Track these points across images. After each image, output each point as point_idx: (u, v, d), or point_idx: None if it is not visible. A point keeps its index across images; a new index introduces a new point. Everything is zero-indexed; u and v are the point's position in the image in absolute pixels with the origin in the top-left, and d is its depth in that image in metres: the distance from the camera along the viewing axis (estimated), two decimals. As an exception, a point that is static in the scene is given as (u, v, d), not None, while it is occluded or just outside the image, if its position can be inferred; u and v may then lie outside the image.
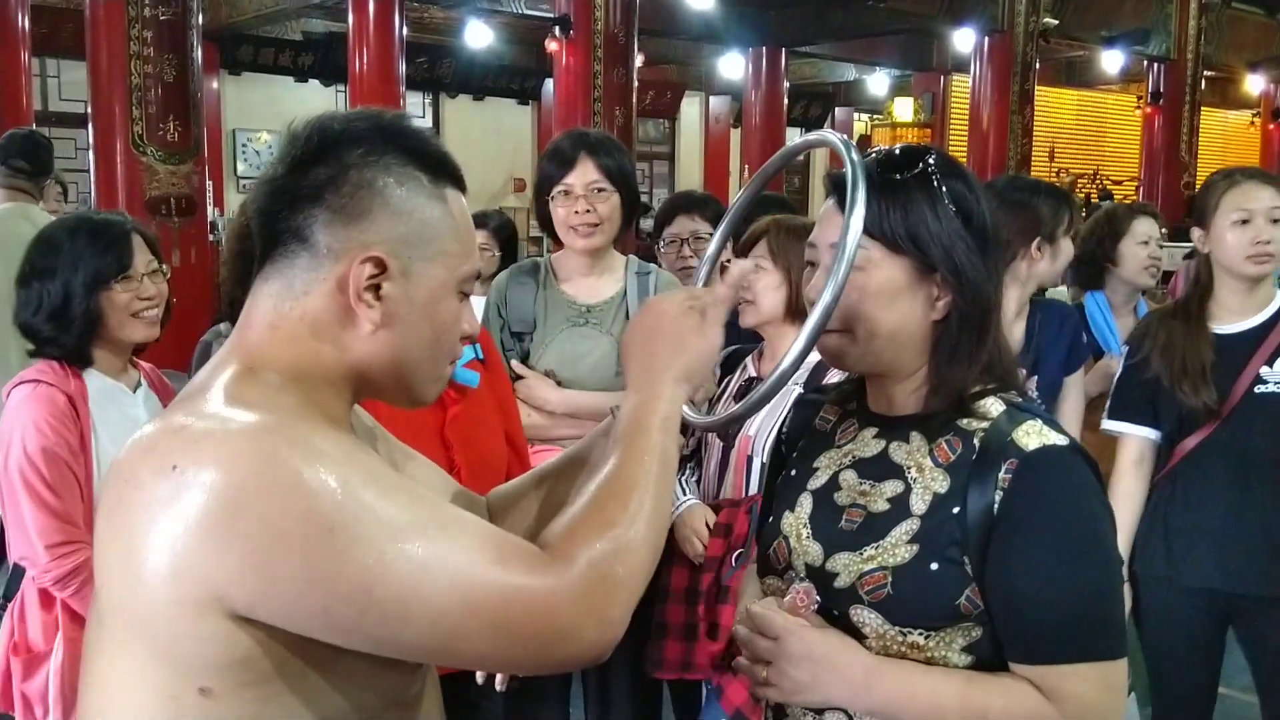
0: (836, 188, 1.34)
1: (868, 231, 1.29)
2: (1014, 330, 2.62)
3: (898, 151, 1.34)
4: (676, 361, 1.17)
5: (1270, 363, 2.39)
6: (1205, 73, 14.63)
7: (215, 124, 11.65)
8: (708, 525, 2.34)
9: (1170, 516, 2.53)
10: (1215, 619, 2.51)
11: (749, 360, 2.43)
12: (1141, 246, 3.29)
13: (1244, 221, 2.40)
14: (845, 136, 1.30)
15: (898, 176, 1.30)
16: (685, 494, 2.42)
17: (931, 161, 1.31)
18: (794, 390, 2.23)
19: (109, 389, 2.35)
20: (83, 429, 2.25)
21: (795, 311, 2.27)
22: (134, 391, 2.41)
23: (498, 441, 2.10)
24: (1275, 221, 2.40)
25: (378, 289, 1.07)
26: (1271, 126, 16.23)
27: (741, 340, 2.45)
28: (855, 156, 1.24)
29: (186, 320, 6.37)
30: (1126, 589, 2.51)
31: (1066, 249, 2.77)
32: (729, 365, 2.47)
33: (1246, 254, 2.40)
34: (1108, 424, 2.61)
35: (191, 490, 0.95)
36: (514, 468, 2.10)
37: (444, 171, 1.14)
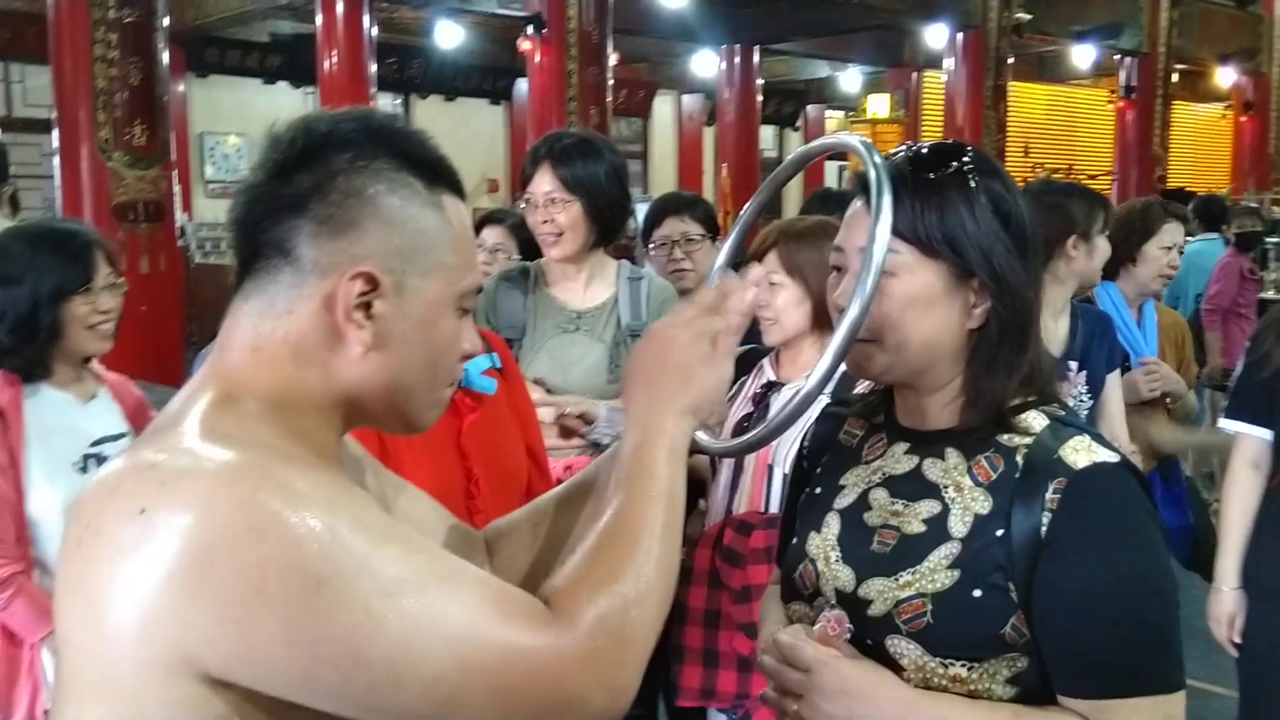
0: (865, 188, 1.26)
1: (901, 235, 1.21)
2: (1058, 328, 2.58)
3: (930, 149, 1.26)
4: (683, 394, 1.06)
5: None
6: (1177, 66, 14.72)
7: (182, 127, 11.51)
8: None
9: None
10: None
11: (766, 363, 2.33)
12: (1164, 252, 3.18)
13: None
14: (867, 139, 1.20)
15: (931, 176, 1.22)
16: None
17: (968, 160, 1.23)
18: (821, 399, 2.14)
19: (55, 401, 2.29)
20: (11, 443, 2.18)
21: (821, 323, 2.17)
22: (86, 403, 2.33)
23: (518, 452, 2.00)
24: None
25: (369, 307, 0.97)
26: (1243, 119, 16.32)
27: (756, 338, 2.37)
28: (878, 160, 1.15)
29: (154, 327, 6.28)
30: (1236, 598, 2.45)
31: (1103, 247, 2.78)
32: (743, 366, 2.37)
33: None
34: (1224, 423, 2.51)
35: (160, 538, 0.84)
36: (535, 481, 2.01)
37: (440, 177, 1.04)
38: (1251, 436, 2.46)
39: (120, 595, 0.85)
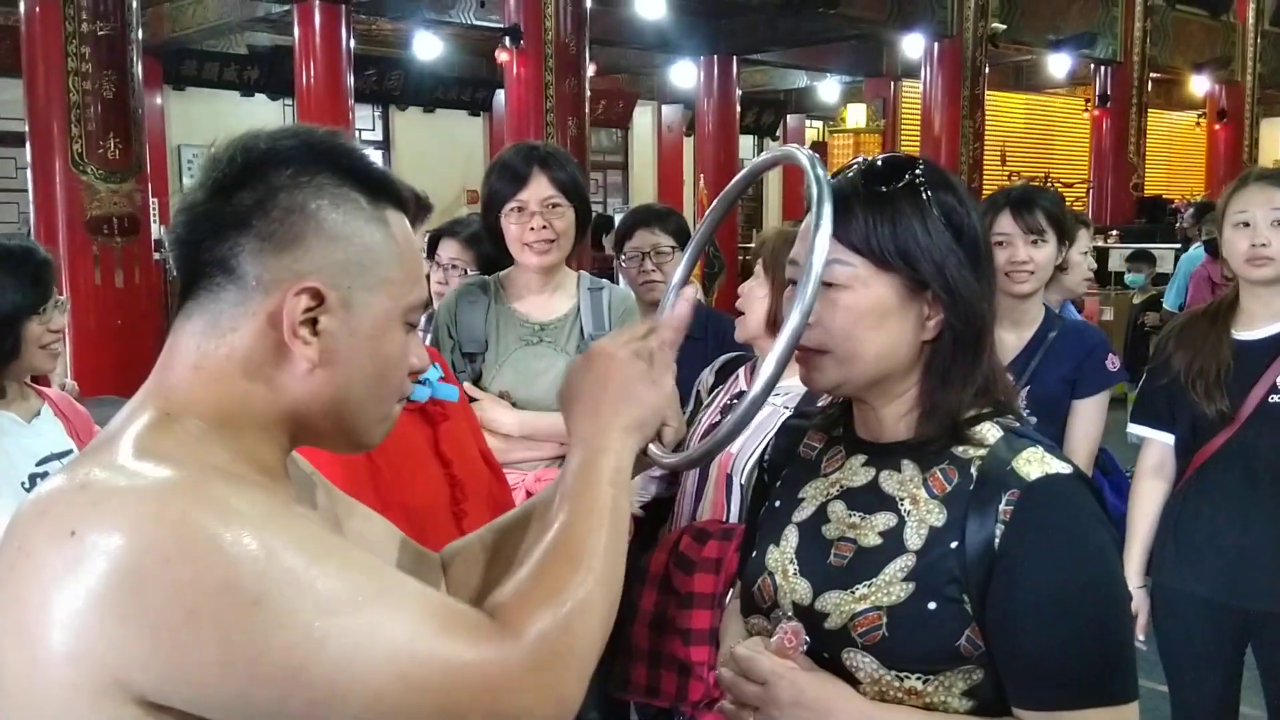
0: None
1: (854, 247, 1.21)
2: (1010, 340, 2.56)
3: (883, 162, 1.26)
4: (625, 411, 1.07)
5: None
6: (1151, 75, 14.82)
7: (159, 140, 11.46)
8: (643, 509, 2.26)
9: (1181, 527, 2.47)
10: (1231, 634, 2.44)
11: (742, 371, 2.33)
12: (1084, 257, 3.36)
13: (1245, 224, 2.35)
14: (812, 152, 1.20)
15: (884, 189, 1.22)
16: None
17: (919, 172, 1.23)
18: (782, 411, 2.14)
19: (0, 421, 2.27)
20: None
21: (776, 325, 2.18)
22: (30, 421, 2.32)
23: (479, 456, 2.02)
24: (1275, 224, 2.33)
25: (314, 323, 0.96)
26: (1217, 127, 16.45)
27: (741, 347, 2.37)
28: (821, 173, 1.15)
29: (130, 341, 6.24)
30: (1142, 597, 2.49)
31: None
32: (724, 374, 2.38)
33: (1245, 257, 2.35)
34: (1132, 428, 2.57)
35: (91, 559, 0.83)
36: (495, 487, 2.02)
37: (384, 192, 1.03)
38: (1155, 441, 2.53)
39: (51, 619, 0.84)
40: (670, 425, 1.12)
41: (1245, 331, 2.39)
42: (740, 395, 2.25)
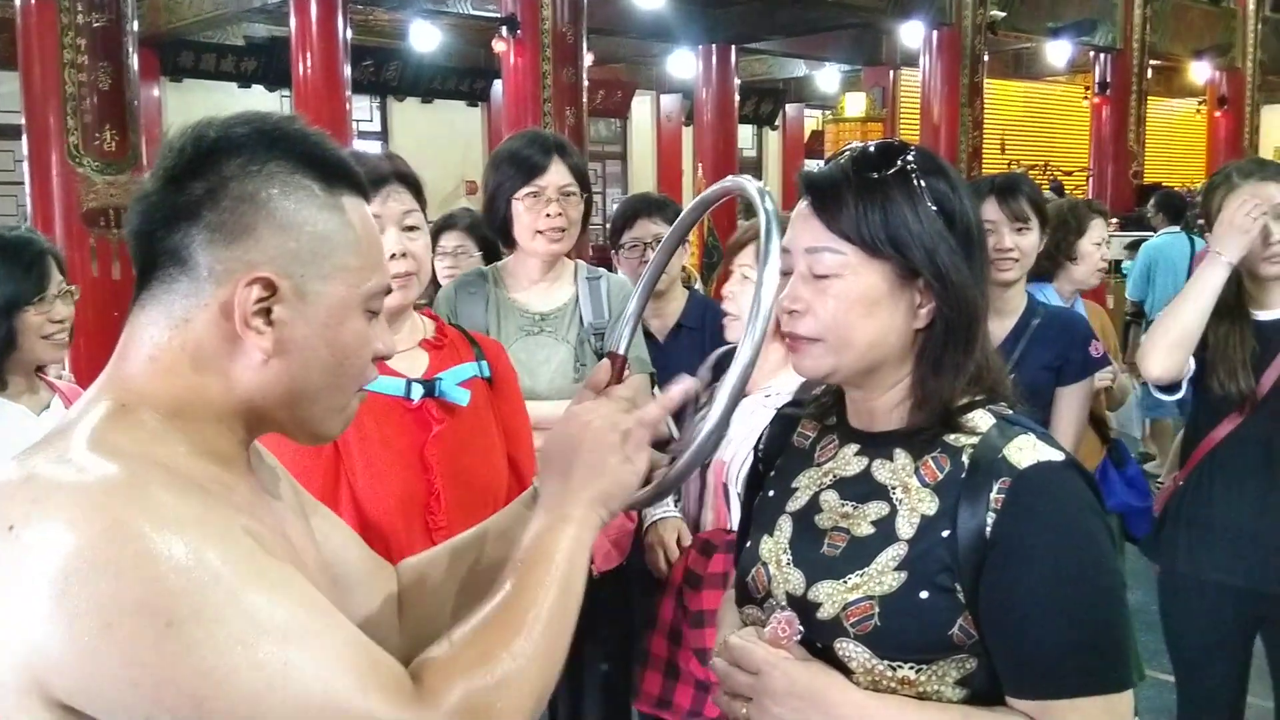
0: (810, 187, 1.25)
1: (845, 235, 1.21)
2: (997, 328, 2.54)
3: (874, 149, 1.25)
4: (594, 483, 1.06)
5: None
6: (1151, 62, 14.78)
7: (156, 132, 11.42)
8: (680, 545, 2.23)
9: (1193, 511, 2.45)
10: (1239, 619, 2.43)
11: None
12: (1096, 247, 3.32)
13: None
14: (761, 184, 1.20)
15: (875, 175, 1.21)
16: (670, 507, 2.29)
17: (911, 159, 1.22)
18: (766, 410, 2.12)
19: (10, 413, 2.26)
20: None
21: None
22: (40, 414, 2.31)
23: (489, 466, 1.94)
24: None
25: (268, 313, 0.96)
26: (1217, 114, 16.41)
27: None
28: (770, 206, 1.15)
29: (129, 335, 6.23)
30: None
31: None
32: (719, 369, 2.34)
33: (1262, 255, 2.33)
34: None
35: (24, 558, 0.82)
36: (515, 494, 1.98)
37: (340, 177, 1.02)
38: None
39: None
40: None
41: (1262, 313, 2.38)
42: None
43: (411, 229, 1.89)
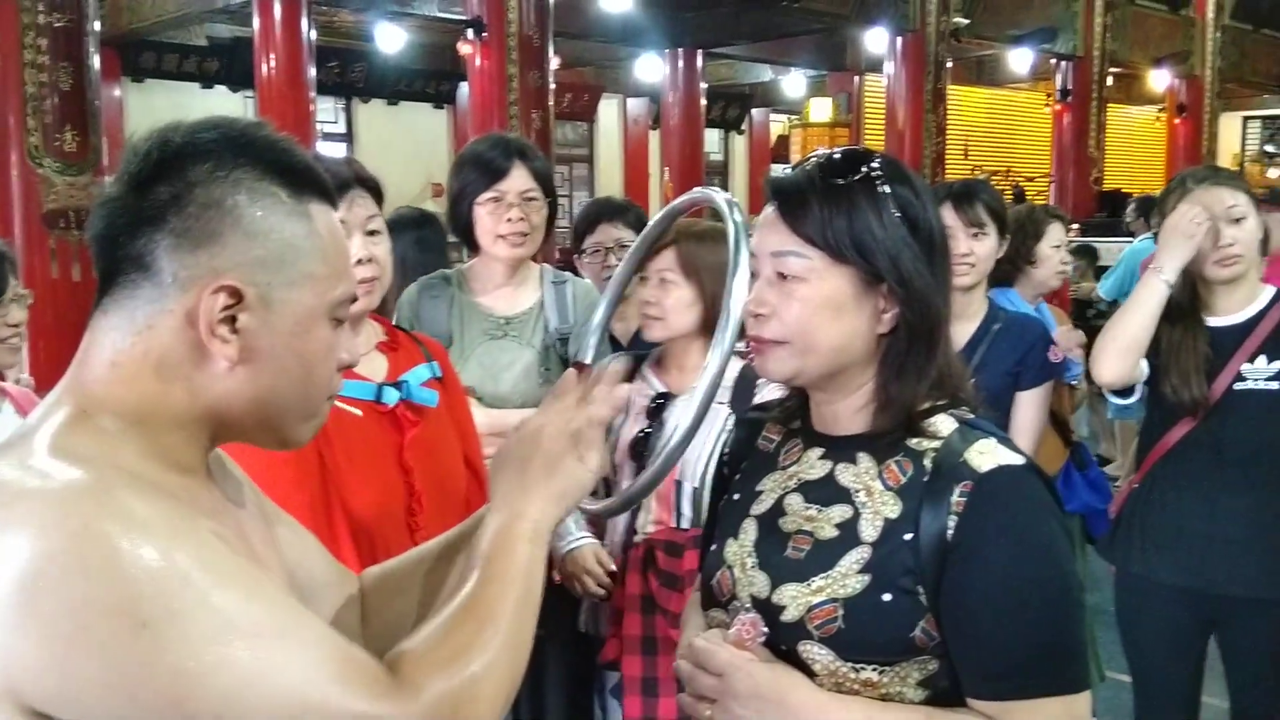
0: (776, 192, 1.27)
1: (810, 240, 1.22)
2: (959, 332, 2.56)
3: (840, 155, 1.27)
4: (550, 482, 1.08)
5: (1252, 359, 2.36)
6: (1111, 70, 14.93)
7: (118, 133, 11.29)
8: (600, 563, 2.23)
9: (1147, 513, 2.49)
10: (1193, 620, 2.47)
11: (647, 372, 2.29)
12: (1055, 250, 3.37)
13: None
14: (729, 196, 1.23)
15: (840, 181, 1.23)
16: (575, 532, 2.27)
17: (876, 165, 1.24)
18: (721, 408, 2.13)
19: None
20: None
21: (710, 328, 2.15)
22: None
23: (458, 466, 1.97)
24: (1236, 221, 2.36)
25: (233, 321, 0.95)
26: (1176, 122, 16.60)
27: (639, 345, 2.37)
28: (738, 218, 1.18)
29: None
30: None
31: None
32: (631, 377, 2.32)
33: (1213, 259, 2.37)
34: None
35: None
36: (474, 493, 1.98)
37: (307, 185, 1.01)
38: None
39: None
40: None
41: (1215, 319, 2.42)
42: (664, 398, 2.22)
43: (374, 233, 1.90)
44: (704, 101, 13.99)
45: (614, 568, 2.22)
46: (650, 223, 1.36)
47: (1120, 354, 2.37)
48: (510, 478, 1.09)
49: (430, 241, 3.60)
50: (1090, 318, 7.80)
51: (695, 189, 1.26)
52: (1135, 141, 19.23)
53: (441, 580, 1.20)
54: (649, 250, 1.40)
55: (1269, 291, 2.43)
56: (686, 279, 2.17)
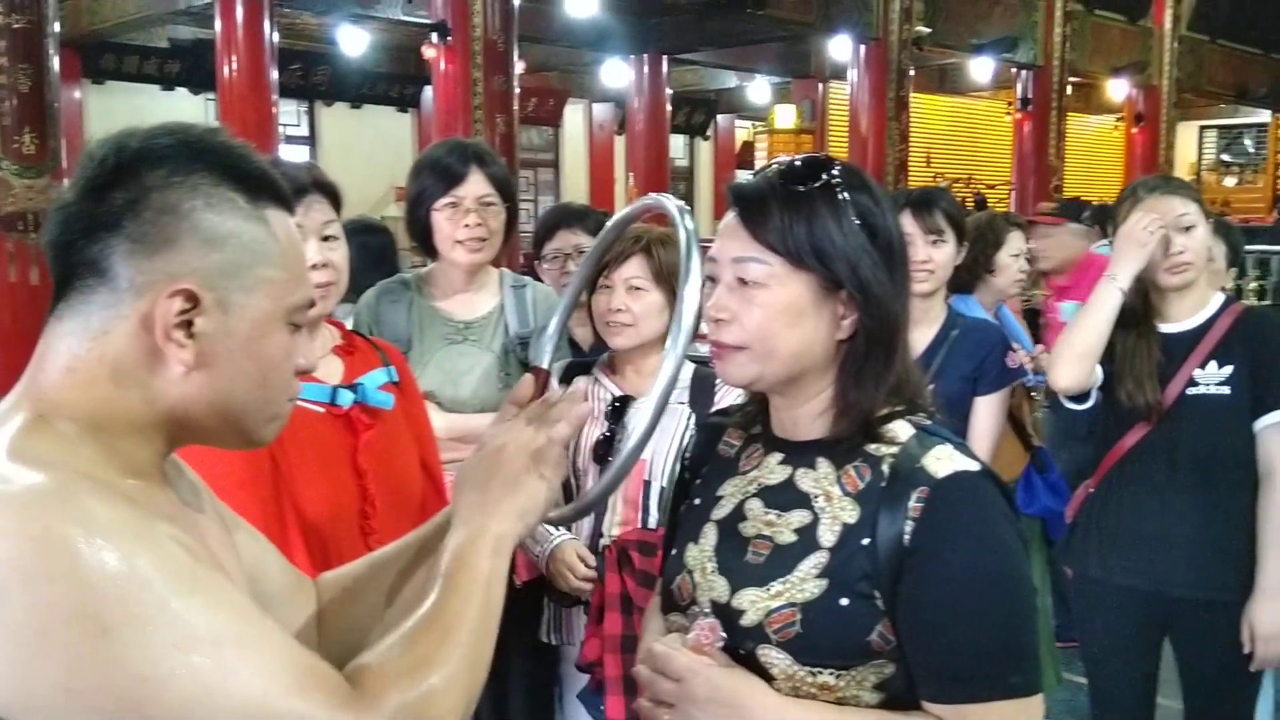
0: (738, 199, 1.28)
1: (770, 246, 1.23)
2: (917, 338, 2.58)
3: (801, 162, 1.28)
4: (511, 500, 1.08)
5: (1204, 364, 2.40)
6: (1071, 79, 15.10)
7: (77, 135, 11.17)
8: (582, 560, 2.22)
9: (1103, 517, 2.52)
10: (1147, 622, 2.50)
11: (600, 376, 2.29)
12: (1014, 259, 3.43)
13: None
14: (682, 203, 1.23)
15: (801, 189, 1.24)
16: (554, 531, 2.26)
17: (836, 173, 1.25)
18: (682, 408, 2.14)
19: None
20: None
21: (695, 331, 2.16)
22: None
23: (413, 469, 1.97)
24: (1187, 229, 2.40)
25: (190, 325, 0.95)
26: (1134, 131, 16.82)
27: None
28: (689, 225, 1.18)
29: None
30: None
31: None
32: (568, 379, 2.32)
33: (1164, 267, 2.40)
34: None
35: None
36: (430, 497, 1.98)
37: (265, 190, 1.01)
38: None
39: None
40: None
41: (1167, 325, 2.46)
42: (622, 400, 2.23)
43: (330, 239, 1.90)
44: (669, 107, 14.02)
45: (594, 563, 2.22)
46: (604, 229, 1.37)
47: (1076, 360, 2.41)
48: (472, 496, 1.09)
49: (372, 249, 3.57)
50: (1044, 326, 7.88)
51: (647, 196, 1.27)
52: (1094, 150, 19.47)
53: (399, 588, 1.21)
54: (604, 256, 1.40)
55: (1219, 298, 2.47)
56: (657, 284, 2.18)
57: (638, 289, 2.19)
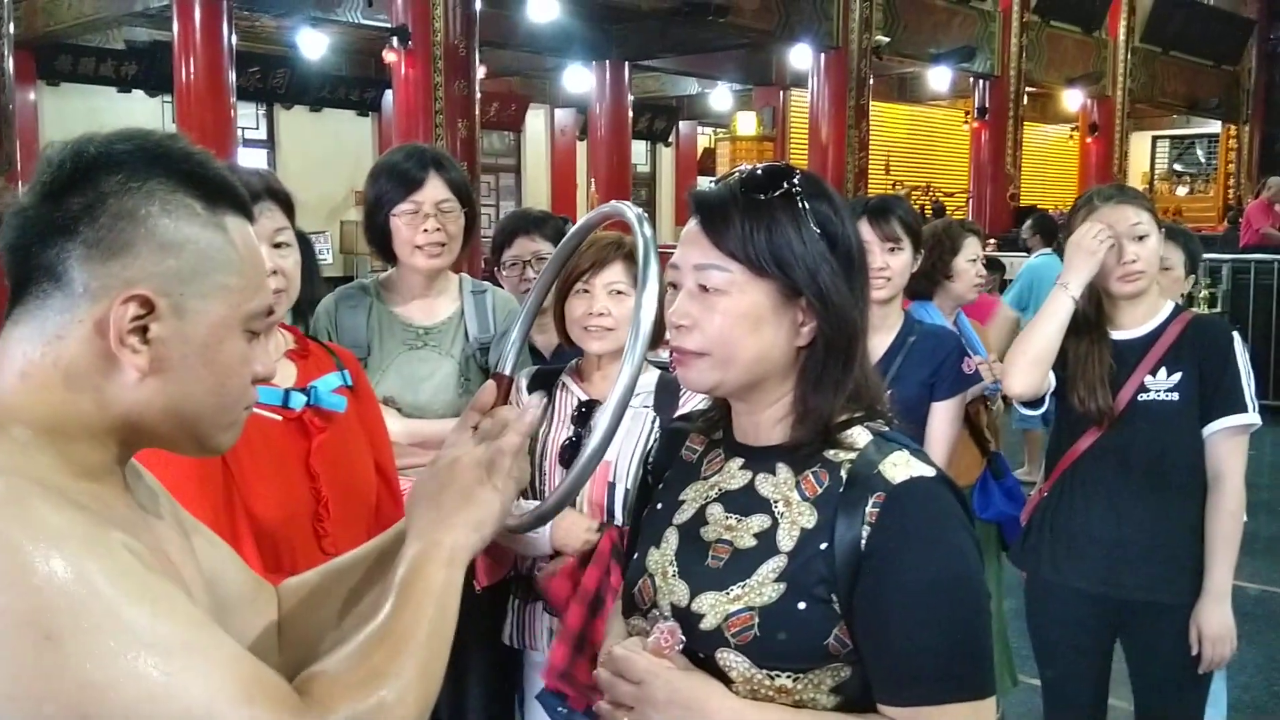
0: (699, 206, 1.29)
1: (730, 253, 1.24)
2: (876, 344, 2.60)
3: (761, 171, 1.29)
4: (464, 511, 1.09)
5: (1154, 371, 2.44)
6: (1027, 89, 15.31)
7: (31, 138, 11.04)
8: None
9: (1056, 520, 2.56)
10: (1099, 624, 2.54)
11: (568, 381, 2.30)
12: (971, 264, 3.47)
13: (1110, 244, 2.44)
14: (640, 210, 1.24)
15: (761, 197, 1.25)
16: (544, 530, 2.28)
17: (796, 182, 1.26)
18: (647, 412, 2.15)
19: None
20: None
21: (660, 337, 2.17)
22: None
23: (367, 472, 1.97)
24: (1140, 238, 2.44)
25: (145, 331, 0.95)
26: (1089, 140, 17.06)
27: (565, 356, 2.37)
28: (647, 232, 1.19)
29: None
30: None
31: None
32: (538, 386, 2.32)
33: (1116, 275, 2.44)
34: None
35: None
36: (384, 500, 1.99)
37: (223, 197, 1.01)
38: None
39: None
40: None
41: (1119, 332, 2.50)
42: (590, 405, 2.24)
43: (282, 245, 1.91)
44: (631, 113, 14.09)
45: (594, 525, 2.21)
46: (565, 237, 1.37)
47: (1029, 366, 2.45)
48: (426, 509, 1.09)
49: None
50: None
51: (608, 203, 1.28)
52: (1050, 159, 19.73)
53: (358, 596, 1.21)
54: (563, 265, 1.41)
55: (1169, 306, 2.51)
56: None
57: (620, 294, 2.20)
